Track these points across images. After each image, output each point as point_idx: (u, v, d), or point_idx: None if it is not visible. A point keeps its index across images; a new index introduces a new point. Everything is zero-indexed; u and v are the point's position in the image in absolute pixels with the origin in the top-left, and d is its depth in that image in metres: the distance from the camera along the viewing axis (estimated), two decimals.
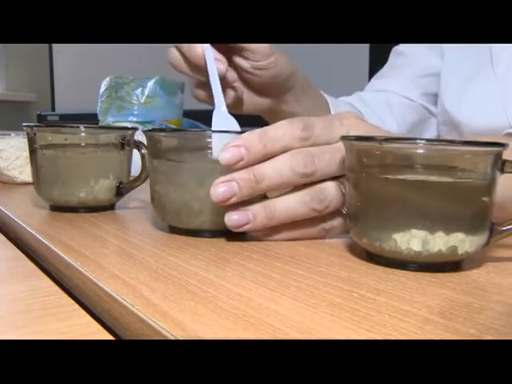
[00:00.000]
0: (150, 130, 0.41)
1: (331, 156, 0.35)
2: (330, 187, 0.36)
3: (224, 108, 0.48)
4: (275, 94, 0.59)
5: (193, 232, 0.39)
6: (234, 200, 0.35)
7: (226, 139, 0.36)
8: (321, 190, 0.36)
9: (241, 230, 0.36)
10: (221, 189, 0.34)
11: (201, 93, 0.55)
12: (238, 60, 0.53)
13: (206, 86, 0.53)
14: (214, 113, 0.48)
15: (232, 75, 0.54)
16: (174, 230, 0.40)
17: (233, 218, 0.36)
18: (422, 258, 0.30)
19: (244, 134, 0.35)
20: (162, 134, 0.41)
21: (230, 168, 0.35)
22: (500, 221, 0.32)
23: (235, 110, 0.58)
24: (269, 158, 0.35)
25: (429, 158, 0.30)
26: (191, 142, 0.40)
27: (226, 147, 0.34)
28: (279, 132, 0.35)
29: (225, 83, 0.53)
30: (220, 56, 0.50)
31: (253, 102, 0.58)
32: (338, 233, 0.38)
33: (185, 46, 0.51)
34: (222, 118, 0.48)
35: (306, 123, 0.35)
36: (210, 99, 0.52)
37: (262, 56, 0.53)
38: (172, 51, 0.52)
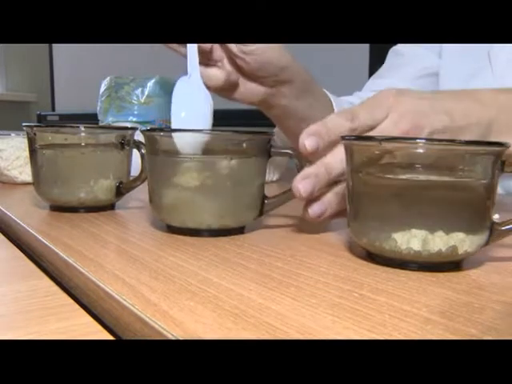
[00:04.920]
0: (148, 130, 0.41)
1: None
2: None
3: (197, 75, 0.48)
4: (269, 84, 0.58)
5: (191, 231, 0.39)
6: (315, 193, 0.38)
7: (187, 137, 0.38)
8: None
9: (322, 218, 0.39)
10: (303, 184, 0.37)
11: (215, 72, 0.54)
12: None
13: (221, 67, 0.53)
14: (181, 80, 0.49)
15: (218, 54, 0.54)
16: (172, 229, 0.40)
17: (314, 208, 0.39)
18: (422, 257, 0.30)
19: (311, 126, 0.38)
20: (160, 133, 0.41)
21: (312, 155, 0.37)
22: (500, 221, 0.32)
23: (229, 94, 0.57)
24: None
25: (429, 157, 0.30)
26: (189, 142, 0.40)
27: (305, 135, 0.37)
28: (332, 125, 0.38)
29: (211, 61, 0.54)
30: None
31: (246, 88, 0.57)
32: None
33: None
34: (192, 88, 0.48)
35: (352, 116, 0.38)
36: (224, 82, 0.53)
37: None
38: None
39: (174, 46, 0.53)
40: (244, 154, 0.39)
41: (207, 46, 0.51)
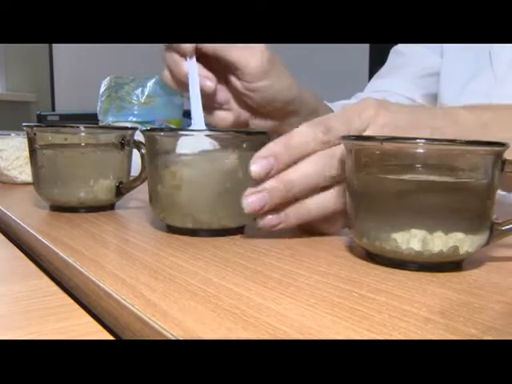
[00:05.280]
0: (148, 130, 0.41)
1: None
2: None
3: (201, 126, 0.47)
4: (276, 116, 0.56)
5: (191, 231, 0.39)
6: (266, 208, 0.35)
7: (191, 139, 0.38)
8: None
9: (274, 229, 0.37)
10: (252, 199, 0.35)
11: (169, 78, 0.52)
12: (232, 79, 0.52)
13: (229, 109, 0.53)
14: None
15: (223, 95, 0.53)
16: (172, 229, 0.40)
17: (266, 219, 0.37)
18: (422, 257, 0.30)
19: (269, 145, 0.35)
20: (160, 133, 0.41)
21: (260, 180, 0.35)
22: (500, 221, 0.32)
23: (229, 127, 0.57)
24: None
25: (429, 157, 0.30)
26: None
27: (255, 158, 0.35)
28: (302, 139, 0.35)
29: (217, 103, 0.52)
30: (209, 74, 0.49)
31: (254, 123, 0.56)
32: None
33: (172, 64, 0.50)
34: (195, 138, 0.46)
35: (327, 126, 0.36)
36: (233, 123, 0.52)
37: (253, 77, 0.50)
38: (165, 70, 0.52)
39: (176, 87, 0.52)
40: (243, 153, 0.39)
41: (210, 88, 0.49)
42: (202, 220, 0.38)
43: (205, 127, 0.48)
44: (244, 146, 0.39)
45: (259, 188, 0.35)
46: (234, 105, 0.54)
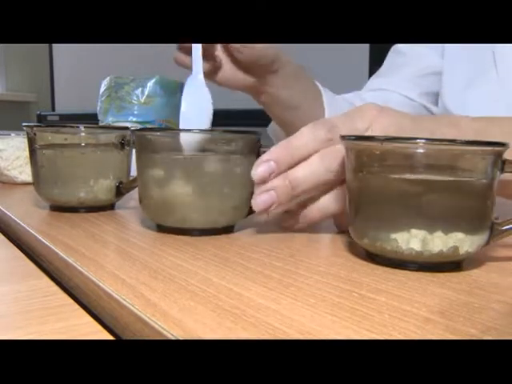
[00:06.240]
0: (139, 130, 0.41)
1: None
2: None
3: (201, 76, 0.51)
4: (259, 74, 0.60)
5: (180, 231, 0.39)
6: (274, 208, 0.36)
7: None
8: None
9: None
10: (261, 199, 0.36)
11: (181, 56, 0.56)
12: None
13: (188, 49, 0.55)
14: (189, 80, 0.51)
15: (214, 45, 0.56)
16: (162, 228, 0.40)
17: (259, 201, 0.37)
18: (423, 257, 0.30)
19: (271, 149, 0.36)
20: (150, 133, 0.41)
21: (263, 182, 0.36)
22: (500, 221, 0.32)
23: (212, 79, 0.59)
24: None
25: (429, 157, 0.30)
26: (178, 142, 0.40)
27: (257, 163, 0.36)
28: (304, 140, 0.36)
29: (205, 51, 0.55)
30: None
31: (235, 77, 0.60)
32: None
33: None
34: (196, 87, 0.50)
35: (330, 125, 0.36)
36: (189, 64, 0.54)
37: None
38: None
39: (182, 57, 0.55)
40: (233, 153, 0.39)
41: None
42: (192, 219, 0.38)
43: (203, 81, 0.52)
44: (233, 145, 0.39)
45: (266, 187, 0.36)
46: (221, 55, 0.58)
